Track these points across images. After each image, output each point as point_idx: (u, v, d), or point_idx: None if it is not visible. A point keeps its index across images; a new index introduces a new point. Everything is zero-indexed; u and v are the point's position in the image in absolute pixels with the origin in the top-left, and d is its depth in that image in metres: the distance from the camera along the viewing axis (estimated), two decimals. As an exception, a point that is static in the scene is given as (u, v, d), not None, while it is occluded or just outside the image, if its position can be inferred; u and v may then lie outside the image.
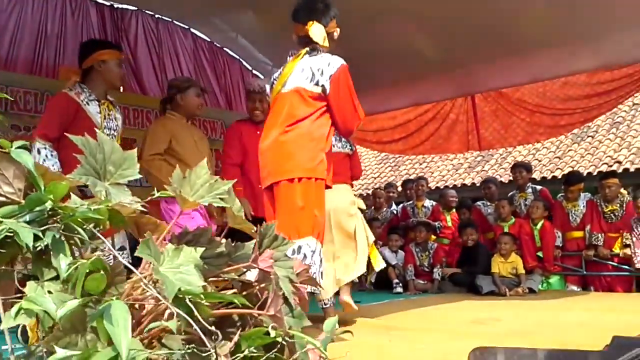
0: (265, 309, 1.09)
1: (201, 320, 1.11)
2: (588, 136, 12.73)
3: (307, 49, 2.82)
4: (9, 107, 4.81)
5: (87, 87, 3.36)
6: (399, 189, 8.63)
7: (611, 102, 6.03)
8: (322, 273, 2.53)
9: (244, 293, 1.24)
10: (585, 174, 10.69)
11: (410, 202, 7.52)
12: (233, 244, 1.22)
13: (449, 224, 7.17)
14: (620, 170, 10.86)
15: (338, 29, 2.96)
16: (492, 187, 7.01)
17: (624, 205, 5.78)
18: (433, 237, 6.98)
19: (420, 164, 15.01)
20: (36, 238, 0.97)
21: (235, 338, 1.00)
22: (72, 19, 5.45)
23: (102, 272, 0.93)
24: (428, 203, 7.32)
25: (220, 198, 1.14)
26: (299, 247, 2.42)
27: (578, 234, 6.06)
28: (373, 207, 7.80)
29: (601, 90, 6.00)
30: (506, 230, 6.12)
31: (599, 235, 5.85)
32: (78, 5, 5.49)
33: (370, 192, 10.73)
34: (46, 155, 3.07)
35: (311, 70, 2.72)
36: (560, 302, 4.85)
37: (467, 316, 4.13)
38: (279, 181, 2.55)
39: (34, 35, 5.20)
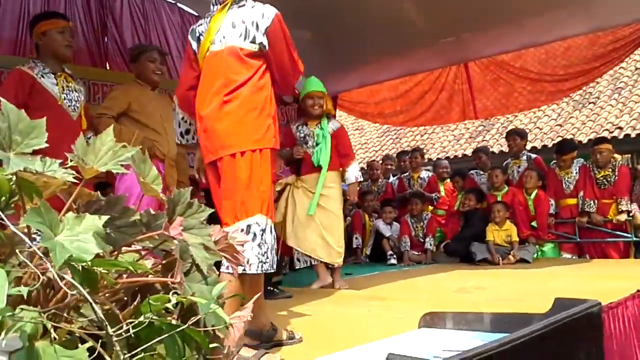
0: (170, 276, 1.07)
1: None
2: (590, 102, 12.59)
3: None
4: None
5: (40, 61, 3.34)
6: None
7: (613, 61, 5.95)
8: (275, 251, 2.40)
9: (165, 261, 1.23)
10: (586, 141, 10.60)
11: (407, 173, 7.49)
12: (152, 213, 1.20)
13: (442, 193, 7.14)
14: (621, 137, 10.75)
15: None
16: (483, 156, 6.95)
17: (617, 171, 5.71)
18: (430, 207, 6.97)
19: (422, 136, 14.93)
20: None
21: (135, 303, 0.99)
22: (55, -4, 5.39)
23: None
24: (424, 174, 7.29)
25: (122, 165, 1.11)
26: (248, 226, 2.27)
27: (572, 201, 6.01)
28: (370, 179, 7.78)
29: (602, 51, 5.91)
30: (499, 199, 6.08)
31: (592, 201, 5.79)
32: (61, -17, 5.44)
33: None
34: None
35: (244, 25, 2.44)
36: (551, 269, 4.84)
37: (453, 285, 4.14)
38: (222, 157, 2.39)
39: (17, 14, 5.16)
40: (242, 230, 2.24)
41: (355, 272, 5.45)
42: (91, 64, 5.58)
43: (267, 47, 2.45)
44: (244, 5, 2.51)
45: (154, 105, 3.71)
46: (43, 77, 3.28)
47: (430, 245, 6.38)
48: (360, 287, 4.27)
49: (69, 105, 3.36)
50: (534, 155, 6.62)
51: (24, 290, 0.87)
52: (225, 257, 1.23)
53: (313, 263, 4.33)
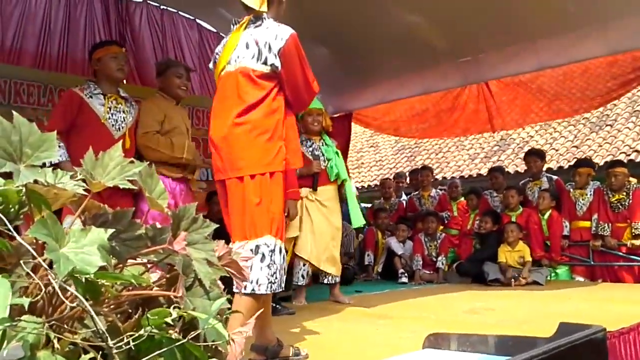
0: (174, 290, 1.09)
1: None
2: (607, 125, 12.49)
3: (251, 17, 2.53)
4: (12, 100, 4.87)
5: (94, 83, 3.64)
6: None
7: (631, 83, 5.91)
8: (285, 270, 2.41)
9: (169, 275, 1.24)
10: (602, 163, 10.51)
11: (417, 192, 7.48)
12: (158, 227, 1.22)
13: (455, 213, 7.11)
14: (638, 159, 10.65)
15: None
16: (499, 176, 6.92)
17: (631, 194, 5.67)
18: (441, 227, 6.95)
19: (437, 154, 14.90)
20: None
21: (136, 316, 1.00)
22: (76, 11, 5.48)
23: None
24: (434, 193, 7.27)
25: (130, 181, 1.14)
26: (257, 247, 2.29)
27: (584, 223, 5.96)
28: (382, 197, 7.78)
29: (621, 73, 5.88)
30: (513, 219, 6.05)
31: (606, 225, 5.75)
32: (82, -3, 5.54)
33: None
34: None
35: (257, 46, 2.44)
36: (563, 292, 4.79)
37: (463, 305, 4.11)
38: (230, 178, 2.41)
39: (39, 27, 5.25)
40: (251, 250, 2.27)
41: (365, 289, 5.44)
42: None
43: (279, 69, 2.43)
44: (260, 25, 2.51)
45: (179, 119, 3.81)
46: (92, 97, 3.57)
47: (442, 264, 6.36)
48: (370, 304, 4.26)
49: (112, 125, 3.58)
50: (555, 177, 6.57)
51: (25, 301, 0.89)
52: (229, 273, 1.24)
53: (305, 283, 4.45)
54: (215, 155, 2.48)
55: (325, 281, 4.46)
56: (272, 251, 2.32)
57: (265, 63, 2.44)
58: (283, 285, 2.40)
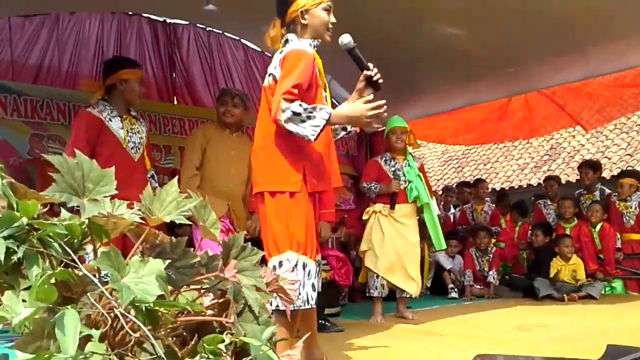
0: (225, 316, 1.15)
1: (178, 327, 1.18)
2: (662, 132, 12.12)
3: (281, 42, 2.59)
4: (69, 122, 5.09)
5: (109, 103, 3.47)
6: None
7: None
8: (313, 286, 2.42)
9: (221, 300, 1.30)
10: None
11: (469, 204, 7.40)
12: (210, 255, 1.28)
13: (504, 225, 7.01)
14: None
15: (303, 8, 2.53)
16: (554, 185, 6.79)
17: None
18: (492, 240, 6.86)
19: (485, 165, 14.69)
20: (13, 252, 1.06)
21: (192, 342, 1.06)
22: (127, 35, 5.70)
23: (53, 284, 1.01)
24: (487, 207, 7.18)
25: (185, 216, 1.21)
26: (280, 262, 2.35)
27: (635, 236, 5.80)
28: (429, 211, 7.71)
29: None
30: (567, 232, 5.94)
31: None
32: (132, 22, 5.74)
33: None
34: None
35: (273, 64, 2.51)
36: (618, 307, 4.68)
37: (513, 322, 4.06)
38: (256, 193, 2.49)
39: (92, 52, 5.48)
40: (274, 266, 2.33)
41: (415, 305, 5.40)
42: (159, 99, 5.85)
43: (277, 78, 2.44)
44: (287, 45, 2.54)
45: (224, 147, 3.80)
46: (111, 120, 3.42)
47: (494, 279, 6.26)
48: (419, 321, 4.26)
49: (132, 148, 3.47)
50: (607, 190, 6.41)
51: (95, 333, 0.96)
52: (279, 297, 1.30)
53: (384, 295, 4.47)
54: (252, 169, 2.59)
55: (402, 294, 4.51)
56: (295, 267, 2.35)
57: (269, 75, 2.51)
58: (310, 302, 2.40)
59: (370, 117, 2.35)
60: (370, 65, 2.59)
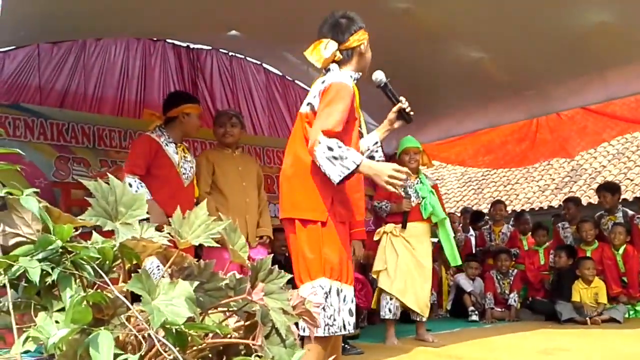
0: (252, 338, 1.17)
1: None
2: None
3: (322, 69, 2.60)
4: (97, 144, 5.19)
5: (166, 131, 3.78)
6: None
7: None
8: (350, 311, 2.41)
9: (247, 323, 1.32)
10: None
11: (487, 226, 7.35)
12: (237, 278, 1.31)
13: (526, 248, 6.94)
14: None
15: (365, 42, 2.60)
16: (572, 207, 6.73)
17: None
18: (513, 263, 6.80)
19: (505, 186, 14.61)
20: (47, 274, 1.10)
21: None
22: (151, 60, 5.82)
23: (87, 304, 1.04)
24: (506, 229, 7.13)
25: (213, 239, 1.24)
26: (312, 289, 2.35)
27: (659, 258, 5.72)
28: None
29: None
30: (588, 254, 5.87)
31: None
32: (157, 48, 5.87)
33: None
34: (137, 187, 3.48)
35: (312, 93, 2.54)
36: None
37: (536, 346, 4.02)
38: (285, 218, 2.50)
39: (117, 77, 5.60)
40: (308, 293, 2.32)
41: (435, 327, 5.37)
42: (182, 122, 5.94)
43: (315, 108, 2.46)
44: (328, 73, 2.56)
45: (231, 165, 3.97)
46: (167, 145, 3.72)
47: (515, 301, 6.19)
48: (440, 344, 4.23)
49: (183, 173, 3.74)
50: (630, 212, 6.32)
51: (134, 358, 0.98)
52: (303, 320, 1.32)
53: (397, 317, 4.46)
54: (280, 192, 2.60)
55: (417, 319, 4.50)
56: (327, 293, 2.35)
57: (308, 104, 2.53)
58: (348, 327, 2.40)
59: (389, 178, 2.32)
60: (402, 98, 2.66)
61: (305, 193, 2.43)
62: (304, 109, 2.55)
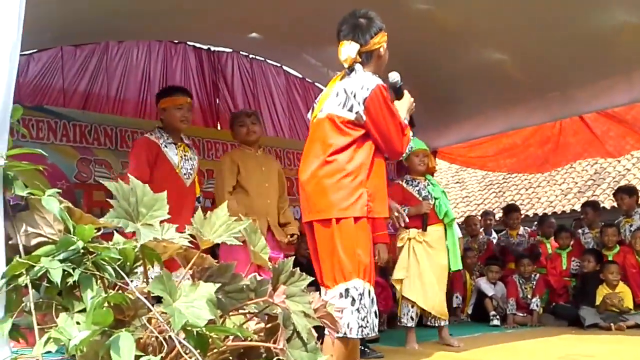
0: (273, 341, 1.15)
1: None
2: None
3: (346, 69, 2.61)
4: (119, 146, 5.23)
5: (164, 132, 3.68)
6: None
7: None
8: (375, 313, 2.41)
9: (269, 325, 1.31)
10: None
11: (504, 232, 7.28)
12: (258, 279, 1.30)
13: (549, 252, 6.84)
14: None
15: (384, 45, 2.67)
16: (590, 212, 6.62)
17: None
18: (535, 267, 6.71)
19: (527, 189, 14.44)
20: (69, 274, 1.10)
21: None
22: (172, 62, 5.86)
23: (109, 306, 1.04)
24: (522, 231, 7.04)
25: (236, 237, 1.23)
26: (346, 290, 2.34)
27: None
28: (469, 235, 7.57)
29: None
30: (610, 258, 5.77)
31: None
32: (178, 50, 5.91)
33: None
34: None
35: (345, 94, 2.53)
36: (668, 338, 4.50)
37: (559, 352, 3.95)
38: (317, 220, 2.48)
39: (139, 79, 5.64)
40: (340, 294, 2.31)
41: (457, 332, 5.30)
42: (203, 124, 5.98)
43: (363, 118, 2.49)
44: (351, 75, 2.58)
45: (256, 166, 3.92)
46: (167, 147, 3.61)
47: (537, 306, 6.10)
48: (461, 348, 4.18)
49: (184, 174, 3.64)
50: (649, 215, 6.22)
51: (155, 360, 0.98)
52: (324, 324, 1.30)
53: (414, 325, 4.39)
54: (302, 196, 2.58)
55: (436, 324, 4.44)
56: (362, 295, 2.35)
57: (350, 110, 2.52)
58: (376, 329, 2.41)
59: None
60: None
61: (338, 191, 2.44)
62: (339, 112, 2.54)
